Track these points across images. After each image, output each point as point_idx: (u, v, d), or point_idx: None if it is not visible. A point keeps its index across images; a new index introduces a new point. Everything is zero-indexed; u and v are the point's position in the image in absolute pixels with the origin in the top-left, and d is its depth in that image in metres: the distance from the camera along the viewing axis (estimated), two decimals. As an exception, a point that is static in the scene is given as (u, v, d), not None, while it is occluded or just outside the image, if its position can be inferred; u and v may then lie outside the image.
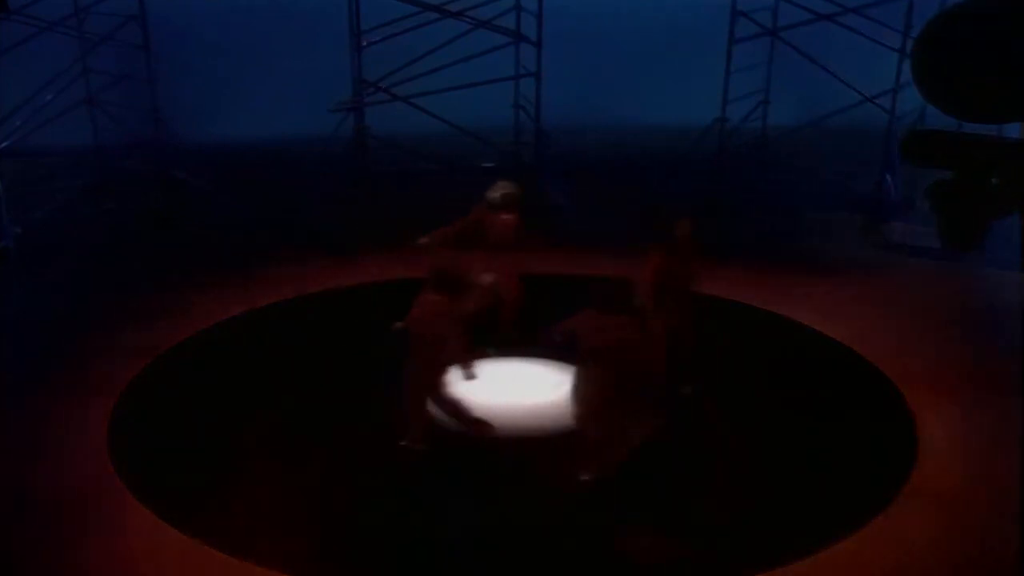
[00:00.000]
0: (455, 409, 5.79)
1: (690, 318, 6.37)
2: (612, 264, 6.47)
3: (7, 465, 5.61)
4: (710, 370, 6.62)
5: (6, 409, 6.23)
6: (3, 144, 10.64)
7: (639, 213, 6.49)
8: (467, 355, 6.13)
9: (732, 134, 12.63)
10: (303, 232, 10.07)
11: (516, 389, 6.55)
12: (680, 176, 11.68)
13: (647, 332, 5.53)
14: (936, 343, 7.48)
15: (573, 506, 5.21)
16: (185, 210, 10.84)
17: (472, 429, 5.81)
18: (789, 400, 6.44)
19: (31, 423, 6.08)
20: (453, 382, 6.00)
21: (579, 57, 12.73)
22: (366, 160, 11.58)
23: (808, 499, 5.36)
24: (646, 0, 13.39)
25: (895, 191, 11.26)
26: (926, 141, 2.64)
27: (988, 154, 2.55)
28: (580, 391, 5.49)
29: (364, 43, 11.25)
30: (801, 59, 11.74)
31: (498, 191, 6.79)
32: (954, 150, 2.59)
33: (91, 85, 11.61)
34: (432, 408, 5.80)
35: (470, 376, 6.43)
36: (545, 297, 6.84)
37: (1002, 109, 2.50)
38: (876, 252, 9.85)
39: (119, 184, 11.54)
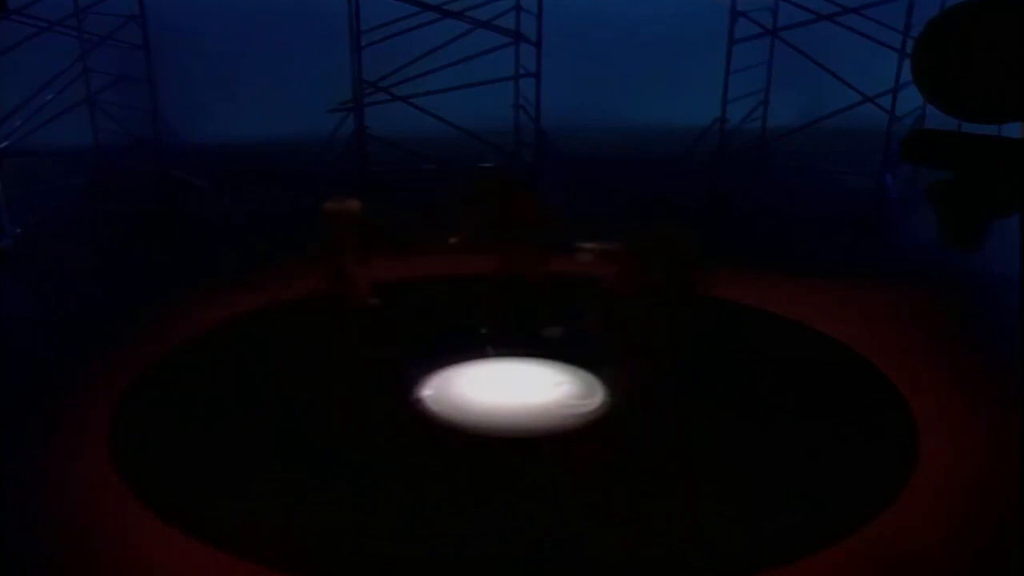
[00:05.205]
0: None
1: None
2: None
3: (7, 464, 5.60)
4: (710, 370, 6.62)
5: (5, 410, 6.22)
6: (3, 144, 10.65)
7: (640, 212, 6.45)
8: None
9: (732, 134, 12.64)
10: (303, 232, 10.06)
11: (516, 389, 6.55)
12: (680, 176, 11.68)
13: None
14: (937, 344, 7.47)
15: (571, 505, 5.21)
16: (184, 210, 10.85)
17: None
18: (790, 400, 6.43)
19: (30, 424, 6.07)
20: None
21: (579, 57, 12.76)
22: (366, 160, 11.59)
23: (809, 499, 5.36)
24: (646, 0, 13.41)
25: (895, 191, 11.28)
26: (926, 141, 2.64)
27: (988, 154, 2.54)
28: None
29: (364, 43, 11.26)
30: (801, 59, 11.75)
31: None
32: (954, 150, 2.59)
33: (91, 85, 11.63)
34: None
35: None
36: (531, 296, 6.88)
37: (1002, 109, 2.50)
38: (876, 253, 9.85)
39: (119, 184, 11.55)
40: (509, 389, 6.56)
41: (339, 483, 5.39)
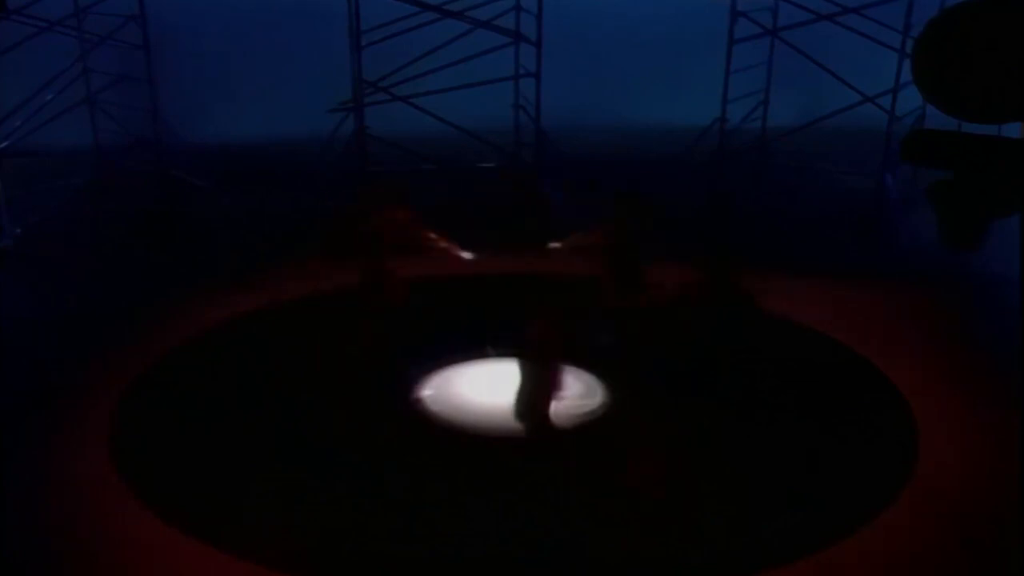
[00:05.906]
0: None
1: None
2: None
3: (7, 464, 5.60)
4: (710, 370, 6.61)
5: (5, 410, 6.22)
6: (3, 144, 10.64)
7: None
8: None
9: (732, 134, 12.63)
10: (303, 232, 10.06)
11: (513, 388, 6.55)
12: (680, 176, 11.67)
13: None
14: (937, 344, 7.47)
15: (571, 505, 5.21)
16: (184, 210, 10.85)
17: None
18: (790, 400, 6.43)
19: (30, 424, 6.07)
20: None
21: (579, 57, 12.74)
22: (366, 160, 11.58)
23: (809, 499, 5.36)
24: (646, 0, 13.40)
25: (895, 191, 11.28)
26: (926, 141, 2.64)
27: (988, 154, 2.54)
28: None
29: (364, 43, 11.25)
30: (801, 59, 11.75)
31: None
32: (954, 150, 2.59)
33: (91, 85, 11.62)
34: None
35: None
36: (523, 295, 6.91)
37: (1002, 109, 2.50)
38: (876, 253, 9.85)
39: (119, 184, 11.55)
40: (509, 389, 6.55)
41: (339, 483, 5.40)
